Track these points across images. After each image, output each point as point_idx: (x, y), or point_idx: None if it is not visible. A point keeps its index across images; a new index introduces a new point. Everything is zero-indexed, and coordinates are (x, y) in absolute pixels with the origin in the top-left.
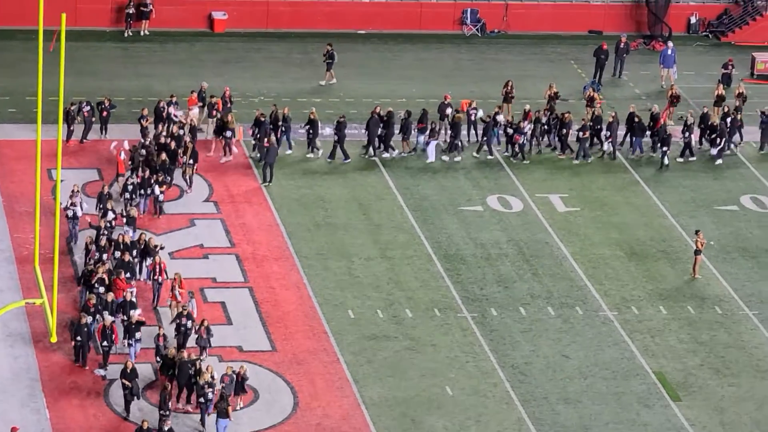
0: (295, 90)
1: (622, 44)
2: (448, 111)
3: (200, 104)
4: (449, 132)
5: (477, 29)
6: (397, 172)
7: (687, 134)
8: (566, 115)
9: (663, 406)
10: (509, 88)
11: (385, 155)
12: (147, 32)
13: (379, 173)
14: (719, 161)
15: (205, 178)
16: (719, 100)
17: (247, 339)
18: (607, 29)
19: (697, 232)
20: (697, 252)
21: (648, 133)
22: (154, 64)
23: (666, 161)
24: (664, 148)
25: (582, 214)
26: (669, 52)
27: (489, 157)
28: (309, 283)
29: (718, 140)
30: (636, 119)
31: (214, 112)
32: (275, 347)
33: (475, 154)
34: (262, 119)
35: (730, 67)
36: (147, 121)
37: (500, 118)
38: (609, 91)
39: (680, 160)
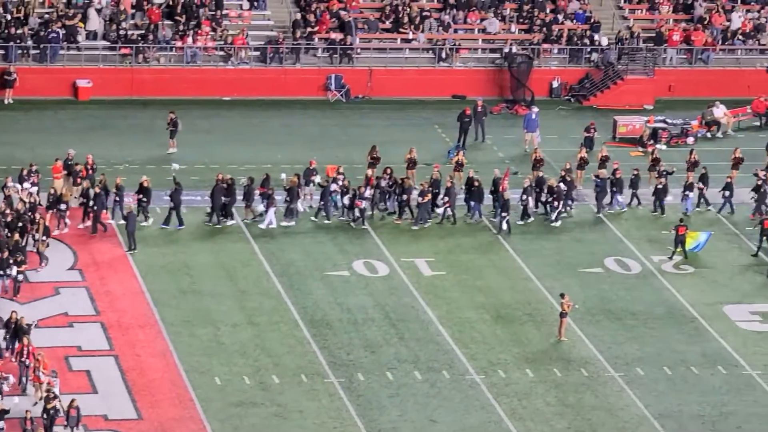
0: (159, 157)
1: (479, 108)
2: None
3: (65, 172)
4: (311, 197)
5: (341, 95)
6: (263, 238)
7: (525, 197)
8: (406, 180)
9: None
10: (375, 153)
11: (229, 222)
12: (11, 100)
13: (244, 239)
14: (557, 223)
15: (70, 246)
16: (582, 164)
17: (112, 408)
18: (471, 94)
19: (562, 294)
20: (562, 315)
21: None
22: (19, 132)
23: (505, 227)
24: (503, 214)
25: (448, 278)
26: (533, 116)
27: (326, 221)
28: (175, 350)
29: (556, 203)
30: (475, 184)
31: (78, 180)
32: (141, 416)
33: (312, 218)
34: (97, 190)
35: (592, 130)
36: (9, 191)
37: (334, 186)
38: (473, 155)
39: (520, 222)
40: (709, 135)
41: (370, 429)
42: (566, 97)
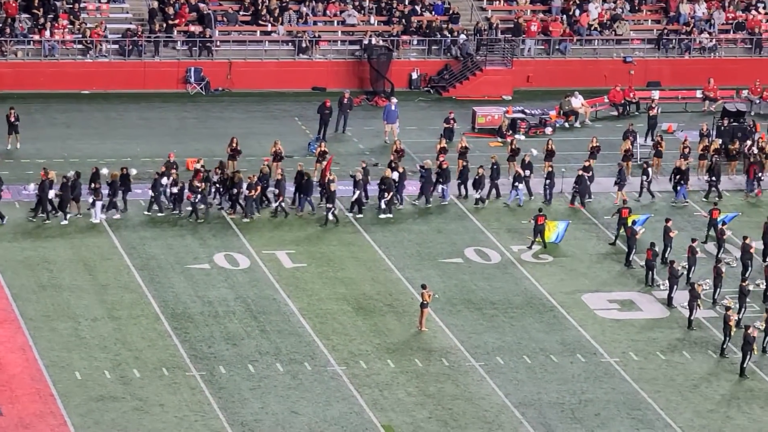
0: (15, 151)
1: (346, 100)
2: (104, 171)
3: None
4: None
5: (201, 88)
6: (123, 232)
7: (355, 190)
8: (237, 175)
9: None
10: (234, 145)
11: (64, 222)
12: None
13: (104, 233)
14: (389, 215)
15: None
16: (442, 154)
17: None
18: (331, 86)
19: (423, 285)
20: (423, 305)
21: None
22: None
23: (331, 217)
24: (329, 205)
25: (309, 270)
26: (393, 107)
27: (159, 214)
28: (35, 345)
29: (386, 194)
30: (305, 177)
31: None
32: (1, 411)
33: (146, 212)
34: None
35: (452, 121)
36: None
37: (164, 180)
38: (333, 146)
39: (349, 214)
40: (567, 125)
41: (232, 422)
42: (425, 89)
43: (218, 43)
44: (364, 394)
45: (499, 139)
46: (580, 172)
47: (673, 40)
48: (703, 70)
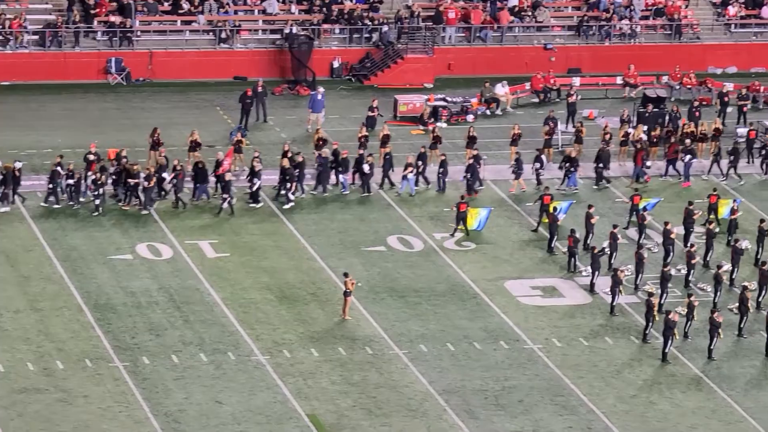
0: None
1: (260, 88)
2: (16, 164)
3: None
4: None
5: (122, 78)
6: (45, 223)
7: (254, 179)
8: (134, 167)
9: None
10: (156, 135)
11: None
12: None
13: (26, 224)
14: (291, 204)
15: None
16: (363, 143)
17: None
18: (252, 75)
19: (346, 273)
20: (346, 293)
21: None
22: None
23: (225, 206)
24: (224, 195)
25: (232, 260)
26: (319, 97)
27: (43, 204)
28: None
29: (288, 184)
30: (200, 166)
31: None
32: None
33: (42, 203)
34: None
35: (375, 110)
36: None
37: (58, 167)
38: (255, 135)
39: (253, 205)
40: (488, 112)
41: (156, 412)
42: (347, 77)
43: (139, 33)
44: (288, 383)
45: (421, 127)
46: (471, 161)
47: (594, 27)
48: (623, 56)
